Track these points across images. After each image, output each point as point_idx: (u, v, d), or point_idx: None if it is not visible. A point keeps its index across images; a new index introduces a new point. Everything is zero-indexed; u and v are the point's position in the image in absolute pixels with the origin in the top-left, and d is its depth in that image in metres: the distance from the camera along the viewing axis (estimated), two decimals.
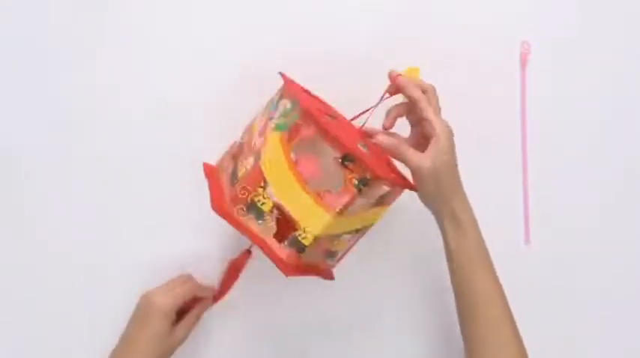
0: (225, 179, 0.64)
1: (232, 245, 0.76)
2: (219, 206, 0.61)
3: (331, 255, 0.65)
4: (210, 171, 0.66)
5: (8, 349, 0.77)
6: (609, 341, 0.79)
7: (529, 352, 0.71)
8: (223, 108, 0.77)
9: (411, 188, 0.65)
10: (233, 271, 0.72)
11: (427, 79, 0.77)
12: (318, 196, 0.59)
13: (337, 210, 0.59)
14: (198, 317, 0.70)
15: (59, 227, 0.77)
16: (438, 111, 0.65)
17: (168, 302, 0.66)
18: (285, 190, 0.59)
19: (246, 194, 0.60)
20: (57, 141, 0.77)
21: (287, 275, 0.61)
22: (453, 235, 0.65)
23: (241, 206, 0.60)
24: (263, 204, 0.60)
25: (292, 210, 0.59)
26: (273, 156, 0.59)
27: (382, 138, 0.63)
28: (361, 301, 0.77)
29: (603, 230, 0.79)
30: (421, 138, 0.65)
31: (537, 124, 0.79)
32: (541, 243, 0.78)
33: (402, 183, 0.65)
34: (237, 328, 0.77)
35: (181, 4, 0.78)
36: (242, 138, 0.67)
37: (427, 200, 0.66)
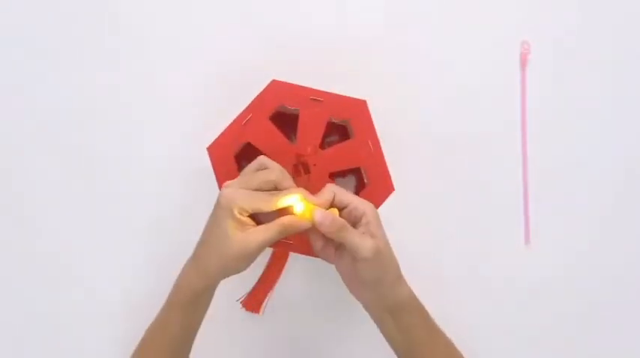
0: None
1: None
2: None
3: None
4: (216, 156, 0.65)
5: (8, 349, 0.77)
6: (609, 341, 0.79)
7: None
8: (224, 108, 0.76)
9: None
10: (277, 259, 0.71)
11: (427, 79, 0.78)
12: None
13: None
14: (281, 230, 0.57)
15: (59, 227, 0.77)
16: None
17: (233, 197, 0.56)
18: None
19: None
20: (57, 141, 0.77)
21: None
22: (406, 322, 0.61)
23: None
24: None
25: None
26: None
27: (323, 216, 0.57)
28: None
29: (603, 230, 0.79)
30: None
31: (537, 124, 0.79)
32: (541, 243, 0.78)
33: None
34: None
35: (181, 3, 0.78)
36: None
37: (363, 292, 0.61)
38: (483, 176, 0.78)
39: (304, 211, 0.57)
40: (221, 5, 0.78)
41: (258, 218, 0.58)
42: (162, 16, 0.78)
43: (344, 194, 0.59)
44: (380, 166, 0.65)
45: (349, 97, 0.65)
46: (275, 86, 0.64)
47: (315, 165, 0.64)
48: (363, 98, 0.65)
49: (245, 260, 0.57)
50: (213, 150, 0.65)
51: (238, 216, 0.56)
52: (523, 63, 0.79)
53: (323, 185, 0.61)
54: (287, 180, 0.58)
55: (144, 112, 0.77)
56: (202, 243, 0.59)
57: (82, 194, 0.77)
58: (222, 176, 0.64)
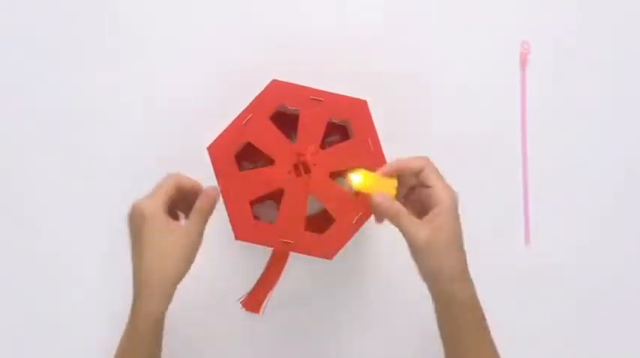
0: None
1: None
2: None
3: None
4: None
5: (8, 349, 0.77)
6: (609, 341, 0.79)
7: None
8: (223, 108, 0.76)
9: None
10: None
11: (427, 79, 0.78)
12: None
13: None
14: (207, 209, 0.59)
15: (59, 227, 0.77)
16: (441, 177, 0.59)
17: (153, 202, 0.57)
18: None
19: None
20: (57, 140, 0.77)
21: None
22: (456, 323, 0.58)
23: None
24: None
25: None
26: None
27: (379, 201, 0.58)
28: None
29: (603, 230, 0.79)
30: (420, 208, 0.60)
31: (537, 124, 0.79)
32: (541, 243, 0.78)
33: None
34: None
35: (181, 3, 0.78)
36: None
37: (427, 279, 0.59)
38: (483, 176, 0.78)
39: (363, 183, 0.60)
40: (221, 5, 0.78)
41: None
42: (162, 16, 0.78)
43: (430, 174, 0.58)
44: (380, 166, 0.65)
45: (349, 97, 0.65)
46: (275, 86, 0.64)
47: (315, 164, 0.64)
48: (363, 98, 0.65)
49: (193, 252, 0.57)
50: (214, 149, 0.65)
51: (165, 216, 0.56)
52: (523, 63, 0.79)
53: (323, 185, 0.62)
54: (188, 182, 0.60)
55: (144, 112, 0.77)
56: (140, 266, 0.57)
57: (82, 194, 0.77)
58: (223, 176, 0.64)
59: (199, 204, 0.59)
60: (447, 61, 0.78)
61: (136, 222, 0.57)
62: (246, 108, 0.65)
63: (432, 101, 0.78)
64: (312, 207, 0.67)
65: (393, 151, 0.66)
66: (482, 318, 0.59)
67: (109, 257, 0.77)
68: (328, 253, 0.65)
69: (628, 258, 0.79)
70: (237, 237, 0.64)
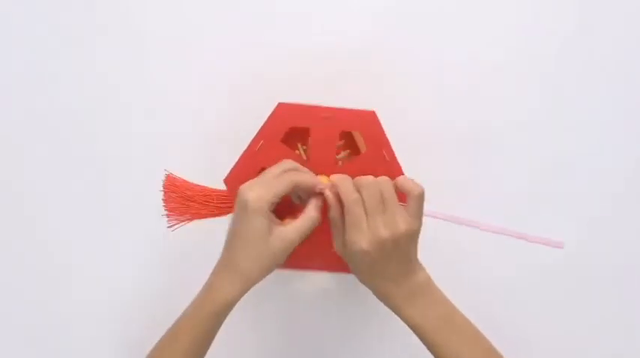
0: None
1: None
2: None
3: None
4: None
5: (8, 349, 0.77)
6: (609, 341, 0.79)
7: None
8: (225, 108, 0.77)
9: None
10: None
11: (426, 79, 0.78)
12: None
13: None
14: (313, 219, 0.59)
15: (59, 227, 0.77)
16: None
17: (264, 196, 0.56)
18: None
19: None
20: (57, 140, 0.77)
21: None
22: (416, 309, 0.59)
23: None
24: None
25: None
26: None
27: (340, 184, 0.58)
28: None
29: (603, 230, 0.79)
30: None
31: (537, 124, 0.79)
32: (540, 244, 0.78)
33: None
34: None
35: (183, 7, 0.77)
36: None
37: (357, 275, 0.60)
38: (483, 176, 0.78)
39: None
40: (220, 19, 0.77)
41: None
42: (164, 16, 0.77)
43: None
44: (397, 175, 0.64)
45: (358, 110, 0.65)
46: (282, 109, 0.64)
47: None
48: (370, 109, 0.65)
49: (286, 253, 0.57)
50: (231, 181, 0.65)
51: (269, 211, 0.56)
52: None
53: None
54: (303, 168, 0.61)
55: (145, 112, 0.77)
56: (235, 248, 0.57)
57: (82, 194, 0.77)
58: None
59: (310, 211, 0.59)
60: (447, 61, 0.78)
61: (239, 210, 0.57)
62: (256, 135, 0.65)
63: (435, 103, 0.78)
64: None
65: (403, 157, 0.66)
66: (443, 302, 0.60)
67: (109, 256, 0.77)
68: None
69: (628, 258, 0.79)
70: None
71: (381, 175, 0.61)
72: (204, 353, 0.60)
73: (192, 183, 0.68)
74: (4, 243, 0.77)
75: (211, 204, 0.67)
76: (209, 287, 0.58)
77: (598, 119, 0.79)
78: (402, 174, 0.64)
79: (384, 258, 0.56)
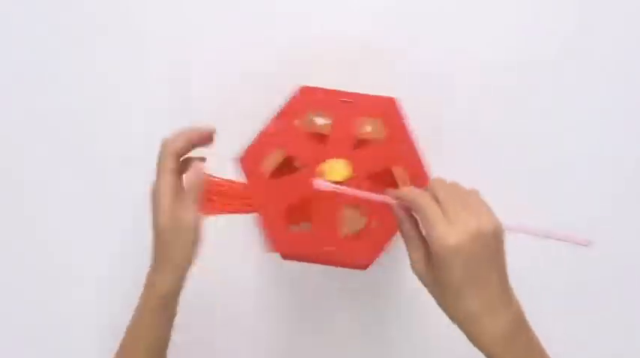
0: None
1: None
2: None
3: None
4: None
5: (8, 349, 0.77)
6: (609, 341, 0.79)
7: None
8: (226, 108, 0.77)
9: None
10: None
11: (426, 79, 0.78)
12: None
13: None
14: (196, 188, 0.59)
15: (59, 227, 0.77)
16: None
17: (159, 182, 0.58)
18: None
19: None
20: (57, 140, 0.77)
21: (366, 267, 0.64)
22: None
23: None
24: None
25: None
26: None
27: (405, 192, 0.51)
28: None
29: (603, 230, 0.79)
30: None
31: (537, 124, 0.79)
32: (541, 244, 0.78)
33: None
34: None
35: (188, 4, 0.78)
36: None
37: (444, 300, 0.49)
38: (484, 176, 0.78)
39: None
40: (228, 8, 0.77)
41: None
42: (165, 15, 0.77)
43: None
44: (416, 163, 0.63)
45: (378, 96, 0.64)
46: (304, 92, 0.64)
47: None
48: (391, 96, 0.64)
49: (198, 227, 0.58)
50: (246, 160, 0.64)
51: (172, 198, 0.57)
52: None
53: (360, 186, 0.60)
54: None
55: (145, 112, 0.77)
56: (155, 244, 0.59)
57: (82, 194, 0.77)
58: (254, 186, 0.63)
59: (189, 179, 0.59)
60: (446, 62, 0.78)
61: (151, 203, 0.58)
62: (275, 116, 0.64)
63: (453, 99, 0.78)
64: None
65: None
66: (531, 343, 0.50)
67: (109, 257, 0.77)
68: (364, 261, 0.63)
69: (628, 258, 0.80)
70: (273, 250, 0.62)
71: (400, 163, 0.60)
72: (166, 344, 0.61)
73: (218, 179, 0.64)
74: (4, 243, 0.77)
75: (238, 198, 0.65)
76: (146, 285, 0.60)
77: (598, 119, 0.80)
78: (421, 162, 0.62)
79: (475, 255, 0.47)
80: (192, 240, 0.58)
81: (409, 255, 0.51)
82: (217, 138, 0.75)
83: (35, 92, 0.77)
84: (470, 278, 0.47)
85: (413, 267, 0.51)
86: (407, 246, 0.52)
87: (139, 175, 0.77)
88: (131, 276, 0.77)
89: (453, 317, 0.49)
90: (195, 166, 0.59)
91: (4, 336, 0.77)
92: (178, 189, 0.58)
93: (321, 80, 0.64)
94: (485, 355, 0.48)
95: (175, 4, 0.77)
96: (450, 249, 0.46)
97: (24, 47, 0.77)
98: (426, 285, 0.50)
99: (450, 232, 0.46)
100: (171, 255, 0.58)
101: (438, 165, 0.65)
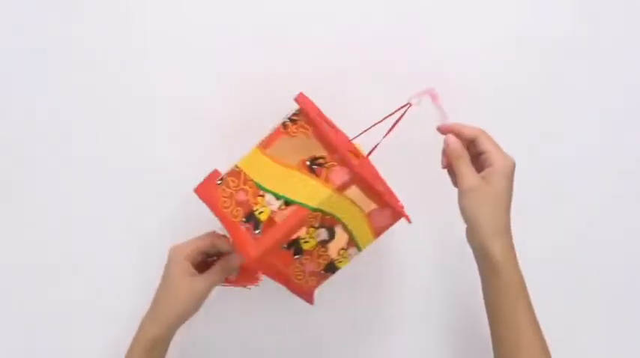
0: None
1: None
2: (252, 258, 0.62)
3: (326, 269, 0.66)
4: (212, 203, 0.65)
5: (8, 349, 0.77)
6: (608, 341, 0.79)
7: None
8: (226, 108, 0.77)
9: (398, 214, 0.64)
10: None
11: (426, 79, 0.78)
12: (313, 173, 0.61)
13: (336, 186, 0.60)
14: (221, 273, 0.66)
15: (59, 227, 0.77)
16: (497, 145, 0.63)
17: (183, 248, 0.65)
18: (281, 182, 0.62)
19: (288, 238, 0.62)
20: (57, 141, 0.77)
21: (311, 304, 0.67)
22: (490, 280, 0.62)
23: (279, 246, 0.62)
24: (261, 213, 0.62)
25: (294, 195, 0.61)
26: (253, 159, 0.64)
27: (452, 140, 0.62)
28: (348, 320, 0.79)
29: (602, 230, 0.80)
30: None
31: (537, 124, 0.79)
32: (541, 244, 0.78)
33: (389, 202, 0.63)
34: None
35: (185, 2, 0.78)
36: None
37: (468, 235, 0.63)
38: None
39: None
40: (221, 15, 0.77)
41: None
42: (166, 15, 0.77)
43: (485, 141, 0.62)
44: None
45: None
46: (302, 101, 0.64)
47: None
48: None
49: (195, 302, 0.65)
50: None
51: (187, 264, 0.64)
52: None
53: (368, 162, 0.66)
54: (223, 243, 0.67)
55: (145, 112, 0.77)
56: (157, 294, 0.66)
57: (82, 194, 0.77)
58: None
59: (218, 266, 0.66)
60: (446, 61, 0.78)
61: (167, 261, 0.66)
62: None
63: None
64: None
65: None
66: (518, 280, 0.61)
67: (108, 257, 0.77)
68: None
69: (627, 258, 0.80)
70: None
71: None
72: None
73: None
74: (4, 243, 0.77)
75: None
76: (139, 327, 0.66)
77: (598, 119, 0.80)
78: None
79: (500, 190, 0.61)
80: (191, 305, 0.65)
81: (464, 174, 0.61)
82: (217, 139, 0.76)
83: (35, 92, 0.77)
84: (510, 193, 0.61)
85: (468, 177, 0.61)
86: (460, 170, 0.62)
87: (139, 176, 0.77)
88: (131, 276, 0.77)
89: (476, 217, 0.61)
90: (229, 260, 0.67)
91: (4, 336, 0.77)
92: (197, 255, 0.66)
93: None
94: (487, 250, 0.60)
95: (174, 4, 0.77)
96: (510, 170, 0.61)
97: (24, 47, 0.77)
98: (467, 193, 0.61)
99: (508, 157, 0.61)
100: (164, 309, 0.65)
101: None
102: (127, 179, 0.77)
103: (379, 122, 0.65)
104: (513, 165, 0.61)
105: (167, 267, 0.65)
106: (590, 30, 0.79)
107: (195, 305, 0.65)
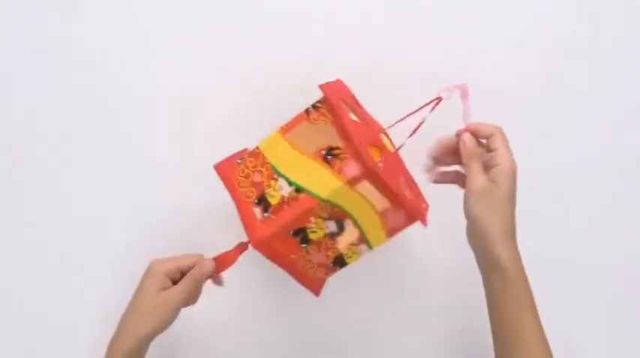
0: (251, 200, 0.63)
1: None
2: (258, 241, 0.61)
3: (334, 262, 0.65)
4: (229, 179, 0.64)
5: (8, 349, 0.77)
6: (607, 342, 0.79)
7: None
8: (226, 108, 0.77)
9: (413, 216, 0.63)
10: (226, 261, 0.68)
11: (426, 78, 0.78)
12: (327, 164, 0.60)
13: (347, 179, 0.59)
14: (194, 282, 0.64)
15: (59, 226, 0.77)
16: (507, 145, 0.62)
17: (164, 264, 0.63)
18: (295, 168, 0.61)
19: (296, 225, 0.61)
20: (57, 140, 0.77)
21: (317, 296, 0.65)
22: (496, 284, 0.60)
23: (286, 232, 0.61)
24: (272, 197, 0.61)
25: (305, 183, 0.60)
26: (273, 141, 0.63)
27: (468, 138, 0.62)
28: (357, 315, 0.79)
29: (602, 231, 0.80)
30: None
31: (537, 124, 0.79)
32: (540, 244, 0.78)
33: (407, 203, 0.62)
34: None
35: (185, 2, 0.77)
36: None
37: (471, 238, 0.62)
38: None
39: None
40: (223, 15, 0.77)
41: None
42: (166, 15, 0.77)
43: (498, 139, 0.62)
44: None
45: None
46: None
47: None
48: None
49: (168, 315, 0.62)
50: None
51: (164, 279, 0.62)
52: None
53: (395, 157, 0.65)
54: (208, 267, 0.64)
55: (145, 112, 0.77)
56: (128, 307, 0.64)
57: (81, 194, 0.77)
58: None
59: (190, 275, 0.63)
60: (445, 62, 0.78)
61: (145, 272, 0.63)
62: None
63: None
64: None
65: None
66: (525, 285, 0.60)
67: (109, 257, 0.77)
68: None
69: (627, 258, 0.80)
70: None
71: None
72: None
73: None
74: (4, 243, 0.77)
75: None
76: (113, 335, 0.64)
77: (598, 119, 0.80)
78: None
79: (508, 192, 0.60)
80: (161, 321, 0.62)
81: (474, 175, 0.61)
82: (216, 138, 0.76)
83: (35, 92, 0.77)
84: (515, 196, 0.60)
85: (478, 179, 0.60)
86: (474, 167, 0.61)
87: (139, 176, 0.77)
88: (131, 276, 0.77)
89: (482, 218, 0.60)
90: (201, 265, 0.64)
91: (4, 336, 0.77)
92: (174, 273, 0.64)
93: (322, 82, 0.64)
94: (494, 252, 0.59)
95: (174, 4, 0.77)
96: (514, 170, 0.60)
97: (24, 47, 0.77)
98: (477, 195, 0.60)
99: (513, 159, 0.60)
100: (135, 323, 0.62)
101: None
102: (127, 179, 0.77)
103: (413, 113, 0.64)
104: (516, 168, 0.61)
105: (143, 279, 0.63)
106: (590, 30, 0.79)
107: (165, 321, 0.63)
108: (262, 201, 0.61)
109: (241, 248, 0.64)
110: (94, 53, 0.77)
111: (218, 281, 0.66)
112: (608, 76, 0.79)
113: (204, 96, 0.77)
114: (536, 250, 0.78)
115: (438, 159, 0.65)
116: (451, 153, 0.64)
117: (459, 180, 0.65)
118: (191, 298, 0.64)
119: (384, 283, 0.79)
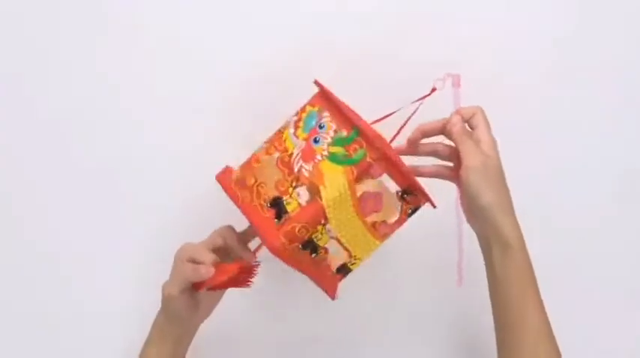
0: (259, 204, 0.61)
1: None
2: (276, 247, 0.59)
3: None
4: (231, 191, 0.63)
5: (8, 349, 0.77)
6: (608, 341, 0.79)
7: None
8: (226, 108, 0.77)
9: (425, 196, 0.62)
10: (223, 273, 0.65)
11: (426, 78, 0.78)
12: (373, 227, 0.60)
13: (387, 237, 0.61)
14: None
15: (59, 227, 0.77)
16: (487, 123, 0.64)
17: (171, 288, 0.62)
18: (346, 227, 0.60)
19: (306, 233, 0.59)
20: (57, 141, 0.77)
21: (333, 299, 0.64)
22: (500, 259, 0.60)
23: (297, 244, 0.59)
24: (320, 240, 0.60)
25: (349, 244, 0.60)
26: (339, 195, 0.58)
27: (457, 119, 0.63)
28: (368, 313, 0.79)
29: (601, 231, 0.80)
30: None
31: (537, 124, 0.79)
32: (540, 244, 0.78)
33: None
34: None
35: (185, 2, 0.77)
36: (268, 151, 0.64)
37: (472, 214, 0.63)
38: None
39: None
40: (223, 15, 0.77)
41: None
42: (166, 15, 0.77)
43: (479, 118, 0.64)
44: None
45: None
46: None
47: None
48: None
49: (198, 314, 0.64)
50: None
51: (180, 295, 0.61)
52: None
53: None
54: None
55: (144, 112, 0.77)
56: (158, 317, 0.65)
57: (81, 194, 0.77)
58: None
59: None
60: (445, 62, 0.77)
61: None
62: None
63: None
64: None
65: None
66: (528, 260, 0.61)
67: (108, 257, 0.77)
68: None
69: (626, 258, 0.80)
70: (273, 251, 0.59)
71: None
72: None
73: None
74: (4, 243, 0.77)
75: None
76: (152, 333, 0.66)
77: (598, 119, 0.80)
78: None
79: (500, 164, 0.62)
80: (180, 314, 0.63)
81: (471, 149, 0.61)
82: (216, 138, 0.76)
83: (35, 92, 0.77)
84: (501, 179, 0.62)
85: (475, 153, 0.61)
86: (469, 142, 0.62)
87: (139, 176, 0.77)
88: (131, 276, 0.77)
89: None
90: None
91: (4, 336, 0.77)
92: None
93: (322, 82, 0.64)
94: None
95: (174, 4, 0.77)
96: (496, 143, 0.62)
97: (24, 47, 0.77)
98: (477, 169, 0.61)
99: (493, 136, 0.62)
100: (171, 328, 0.64)
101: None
102: (127, 179, 0.77)
103: (417, 101, 0.66)
104: (497, 143, 0.62)
105: (161, 309, 0.64)
106: (590, 30, 0.79)
107: (196, 318, 0.64)
108: (276, 206, 0.60)
109: (241, 266, 0.62)
110: (94, 53, 0.77)
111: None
112: (608, 76, 0.80)
113: (205, 97, 0.77)
114: (535, 250, 0.78)
115: (424, 134, 0.66)
116: (435, 134, 0.65)
117: (440, 173, 0.66)
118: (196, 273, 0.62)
119: (389, 282, 0.79)
